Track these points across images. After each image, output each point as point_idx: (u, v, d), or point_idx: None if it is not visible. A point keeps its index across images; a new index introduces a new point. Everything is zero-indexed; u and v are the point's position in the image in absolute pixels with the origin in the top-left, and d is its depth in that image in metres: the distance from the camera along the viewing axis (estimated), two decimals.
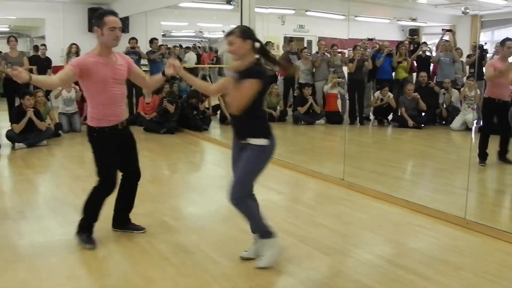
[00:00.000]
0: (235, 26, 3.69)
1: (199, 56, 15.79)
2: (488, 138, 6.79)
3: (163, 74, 4.09)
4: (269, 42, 11.96)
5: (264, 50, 3.66)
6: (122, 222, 4.42)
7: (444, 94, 10.40)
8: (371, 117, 11.17)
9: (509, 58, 6.59)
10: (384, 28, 14.49)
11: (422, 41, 12.54)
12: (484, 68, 6.70)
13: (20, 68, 3.53)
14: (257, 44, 3.59)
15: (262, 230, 3.76)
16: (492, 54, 9.06)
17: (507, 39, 6.65)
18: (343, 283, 3.48)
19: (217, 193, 5.76)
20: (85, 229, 4.19)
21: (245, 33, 3.57)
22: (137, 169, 4.33)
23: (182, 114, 10.08)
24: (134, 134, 4.34)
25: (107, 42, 3.96)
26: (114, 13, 4.00)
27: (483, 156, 6.79)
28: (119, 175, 4.25)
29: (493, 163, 6.88)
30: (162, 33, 14.67)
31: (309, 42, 14.86)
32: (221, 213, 5.06)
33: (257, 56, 3.60)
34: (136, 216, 4.55)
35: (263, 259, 3.73)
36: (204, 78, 12.82)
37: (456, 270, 3.70)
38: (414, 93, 10.34)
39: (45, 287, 3.40)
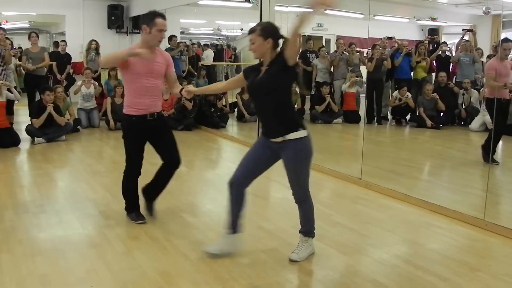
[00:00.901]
0: (257, 23, 3.65)
1: (220, 53, 15.86)
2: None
3: (180, 92, 4.29)
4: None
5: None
6: (146, 196, 4.64)
7: (463, 94, 10.30)
8: (389, 116, 11.11)
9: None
10: (403, 28, 14.36)
11: (442, 40, 12.43)
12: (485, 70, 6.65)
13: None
14: (280, 42, 3.54)
15: (312, 229, 3.85)
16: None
17: (505, 39, 6.54)
18: (360, 283, 3.47)
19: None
20: (131, 209, 4.59)
21: (266, 31, 3.52)
22: (173, 156, 4.50)
23: (200, 111, 10.11)
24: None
25: (152, 41, 4.25)
26: (163, 16, 4.30)
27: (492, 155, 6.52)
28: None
29: None
30: (181, 31, 14.71)
31: (328, 41, 14.79)
32: None
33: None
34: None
35: (298, 254, 3.76)
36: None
37: (474, 271, 3.67)
38: (433, 93, 10.26)
39: (64, 280, 3.43)
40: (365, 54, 11.62)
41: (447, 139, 9.44)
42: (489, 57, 10.80)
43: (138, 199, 4.61)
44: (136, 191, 4.57)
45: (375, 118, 10.76)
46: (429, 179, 6.93)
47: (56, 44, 12.63)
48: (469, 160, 7.68)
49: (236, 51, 17.04)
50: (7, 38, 9.07)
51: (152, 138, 4.44)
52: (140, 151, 4.42)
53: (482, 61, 10.86)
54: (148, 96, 4.31)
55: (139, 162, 4.45)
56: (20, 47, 12.53)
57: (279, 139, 3.58)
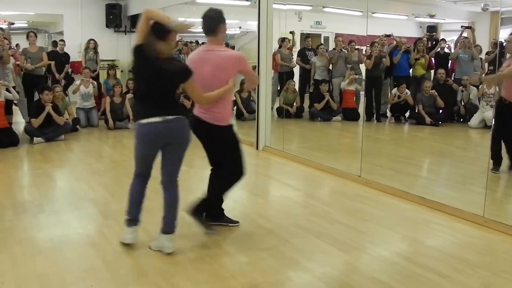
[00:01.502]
0: None
1: None
2: (500, 142, 6.16)
3: None
4: (286, 38, 11.91)
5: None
6: (216, 214, 4.55)
7: (462, 91, 10.30)
8: (388, 114, 11.11)
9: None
10: (402, 25, 14.35)
11: (441, 38, 12.43)
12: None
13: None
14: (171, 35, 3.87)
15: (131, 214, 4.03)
16: None
17: None
18: (359, 280, 3.48)
19: (233, 189, 5.77)
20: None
21: None
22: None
23: None
24: None
25: (224, 38, 4.27)
26: None
27: (496, 161, 6.22)
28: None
29: None
30: None
31: (326, 39, 14.80)
32: (237, 209, 5.08)
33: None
34: (153, 211, 4.58)
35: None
36: None
37: (473, 268, 3.67)
38: (431, 90, 10.25)
39: (63, 280, 3.43)
40: (363, 52, 11.62)
41: (446, 136, 9.44)
42: (487, 53, 10.81)
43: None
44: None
45: (374, 115, 10.75)
46: (428, 176, 6.93)
47: (54, 43, 12.61)
48: (468, 157, 7.68)
49: (235, 50, 17.02)
50: (5, 38, 9.06)
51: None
52: None
53: (480, 58, 10.86)
54: None
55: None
56: (18, 44, 12.54)
57: None
